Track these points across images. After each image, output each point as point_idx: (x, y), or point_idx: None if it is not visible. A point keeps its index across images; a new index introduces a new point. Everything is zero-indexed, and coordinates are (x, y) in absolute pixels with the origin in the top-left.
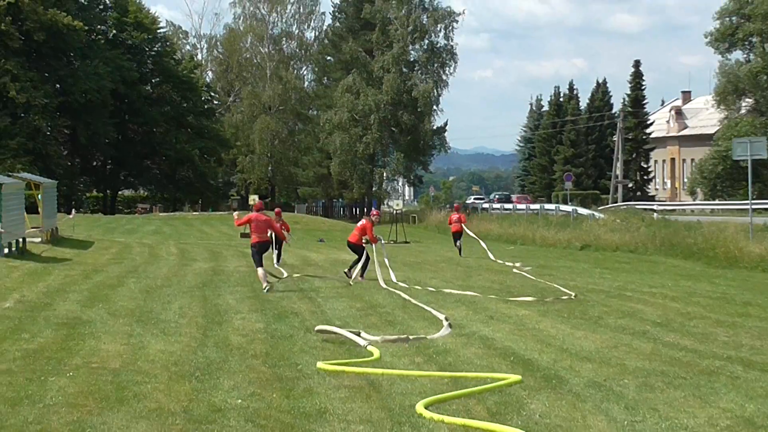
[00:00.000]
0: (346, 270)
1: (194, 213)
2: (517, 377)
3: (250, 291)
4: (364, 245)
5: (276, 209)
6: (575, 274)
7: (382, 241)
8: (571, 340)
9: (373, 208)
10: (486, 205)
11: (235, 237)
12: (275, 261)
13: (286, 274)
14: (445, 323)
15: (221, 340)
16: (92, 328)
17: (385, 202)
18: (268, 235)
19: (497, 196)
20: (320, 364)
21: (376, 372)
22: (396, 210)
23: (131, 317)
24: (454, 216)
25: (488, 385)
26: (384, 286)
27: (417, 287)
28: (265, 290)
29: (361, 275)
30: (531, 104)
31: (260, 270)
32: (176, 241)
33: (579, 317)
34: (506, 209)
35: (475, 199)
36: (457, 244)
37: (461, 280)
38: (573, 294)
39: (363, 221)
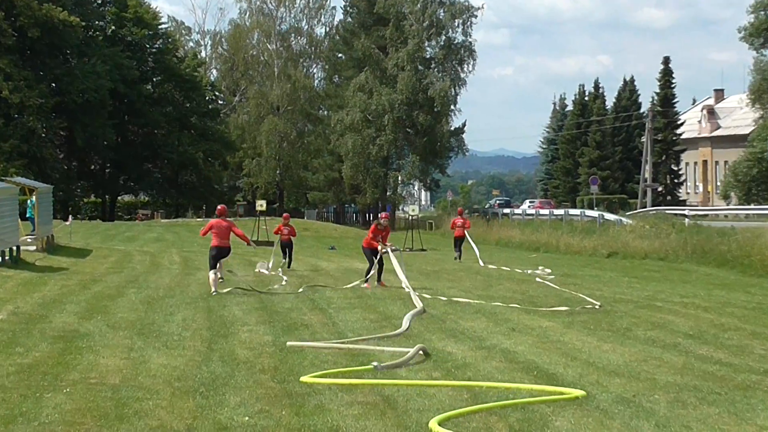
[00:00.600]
0: (361, 282)
1: (198, 219)
2: (581, 392)
3: (258, 302)
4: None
5: (284, 214)
6: (602, 284)
7: (395, 249)
8: (597, 353)
9: (386, 211)
10: (507, 211)
11: (241, 245)
12: (287, 265)
13: (286, 279)
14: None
15: (227, 353)
16: (90, 341)
17: (400, 208)
18: (289, 236)
19: (497, 201)
20: (304, 379)
21: (371, 383)
22: (411, 216)
23: (132, 330)
24: (458, 220)
25: (546, 398)
26: (414, 296)
27: (426, 295)
28: (213, 293)
29: (366, 281)
30: (554, 103)
31: (212, 274)
32: (179, 249)
33: (606, 329)
34: (528, 215)
35: (496, 204)
36: (458, 249)
37: (481, 289)
38: (598, 304)
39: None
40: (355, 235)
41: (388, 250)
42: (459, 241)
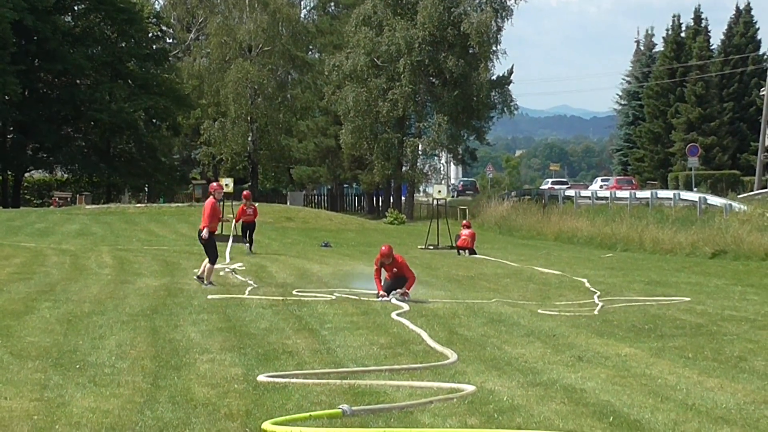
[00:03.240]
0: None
1: (138, 205)
2: None
3: (222, 319)
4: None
5: (245, 192)
6: (704, 295)
7: (391, 298)
8: (699, 391)
9: (383, 246)
10: (571, 193)
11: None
12: (248, 248)
13: (253, 283)
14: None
15: (180, 392)
16: None
17: (421, 189)
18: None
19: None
20: (267, 425)
21: None
22: (437, 200)
23: (45, 359)
24: (464, 232)
25: None
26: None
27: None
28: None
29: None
30: (637, 42)
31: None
32: (111, 247)
33: (711, 358)
34: (600, 199)
35: (553, 183)
36: (464, 254)
37: (534, 301)
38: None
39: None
40: (358, 228)
41: (393, 299)
42: (462, 250)
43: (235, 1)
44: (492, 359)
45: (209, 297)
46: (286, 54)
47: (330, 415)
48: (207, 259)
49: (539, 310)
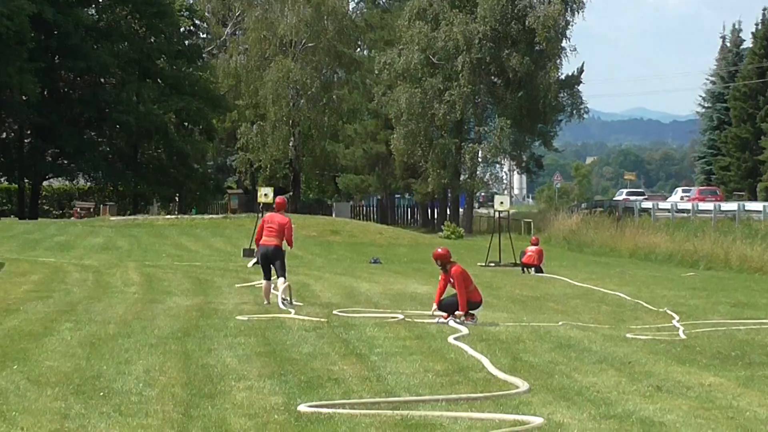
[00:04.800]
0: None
1: (168, 217)
2: None
3: (261, 342)
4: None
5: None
6: None
7: (466, 320)
8: None
9: (443, 262)
10: (648, 205)
11: (236, 255)
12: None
13: (293, 311)
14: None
15: (214, 423)
16: (3, 403)
17: (480, 199)
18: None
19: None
20: None
21: None
22: (499, 212)
23: (66, 386)
24: (530, 249)
25: None
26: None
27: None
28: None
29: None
30: (723, 38)
31: (265, 283)
32: (138, 263)
33: None
34: (681, 211)
35: (627, 194)
36: (529, 271)
37: (607, 325)
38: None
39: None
40: (410, 243)
41: (451, 321)
42: (527, 267)
43: None
44: (561, 388)
45: (238, 318)
46: (331, 51)
47: None
48: (280, 278)
49: (627, 335)
